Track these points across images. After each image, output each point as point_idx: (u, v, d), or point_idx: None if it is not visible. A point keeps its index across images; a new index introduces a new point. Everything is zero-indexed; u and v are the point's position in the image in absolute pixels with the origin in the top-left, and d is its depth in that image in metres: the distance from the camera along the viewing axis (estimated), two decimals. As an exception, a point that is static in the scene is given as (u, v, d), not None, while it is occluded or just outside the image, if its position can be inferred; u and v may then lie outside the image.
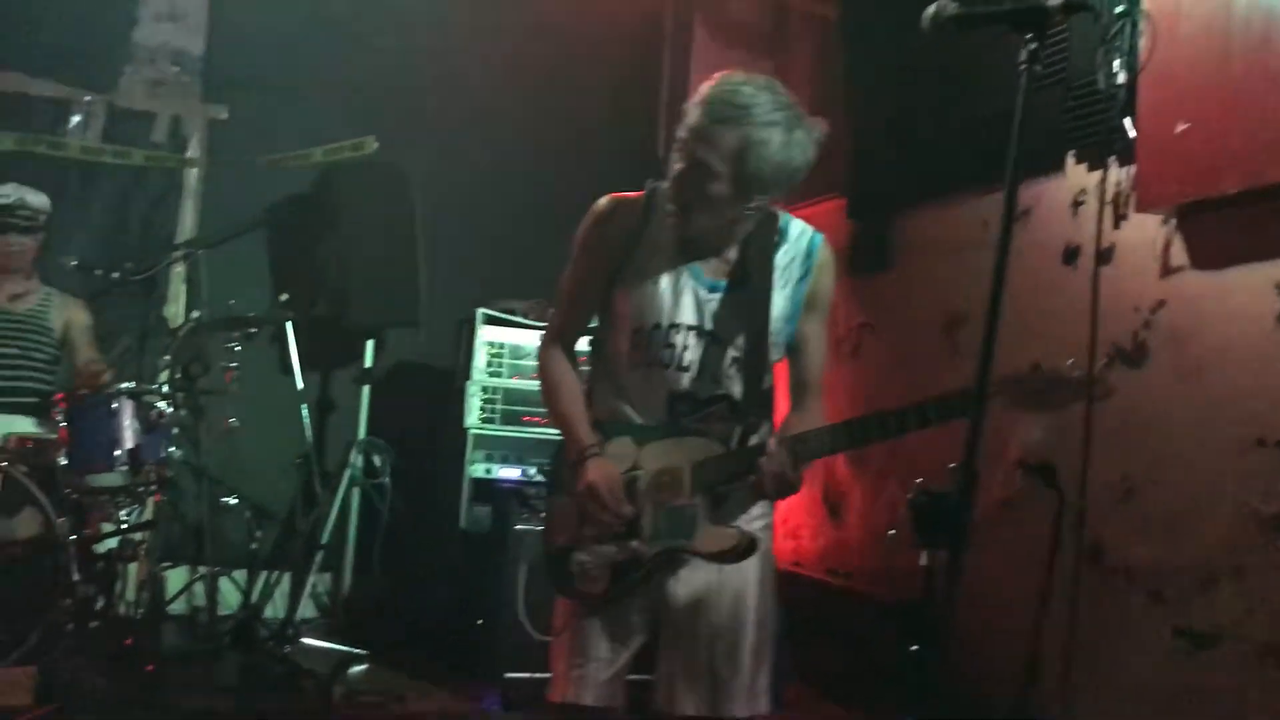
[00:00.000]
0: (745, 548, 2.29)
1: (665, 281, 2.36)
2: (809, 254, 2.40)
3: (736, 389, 2.37)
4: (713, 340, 2.36)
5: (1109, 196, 3.75)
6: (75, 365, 4.59)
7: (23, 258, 4.61)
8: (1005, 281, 1.68)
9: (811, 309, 2.42)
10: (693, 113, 2.22)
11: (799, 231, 2.41)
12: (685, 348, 2.35)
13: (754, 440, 2.33)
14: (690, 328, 2.36)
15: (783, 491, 2.23)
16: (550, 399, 2.50)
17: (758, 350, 2.35)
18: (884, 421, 2.14)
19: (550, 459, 2.59)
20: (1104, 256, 3.80)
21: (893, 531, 2.06)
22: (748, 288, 2.35)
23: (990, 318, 1.66)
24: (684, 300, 2.36)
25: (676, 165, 2.27)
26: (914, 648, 1.77)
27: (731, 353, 2.37)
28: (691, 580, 2.38)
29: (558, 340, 2.54)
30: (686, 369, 2.36)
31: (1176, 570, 3.43)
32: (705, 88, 2.23)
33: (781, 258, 2.38)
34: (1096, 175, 3.84)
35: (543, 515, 2.59)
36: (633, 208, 2.41)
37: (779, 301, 2.37)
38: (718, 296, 2.36)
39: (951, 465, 1.72)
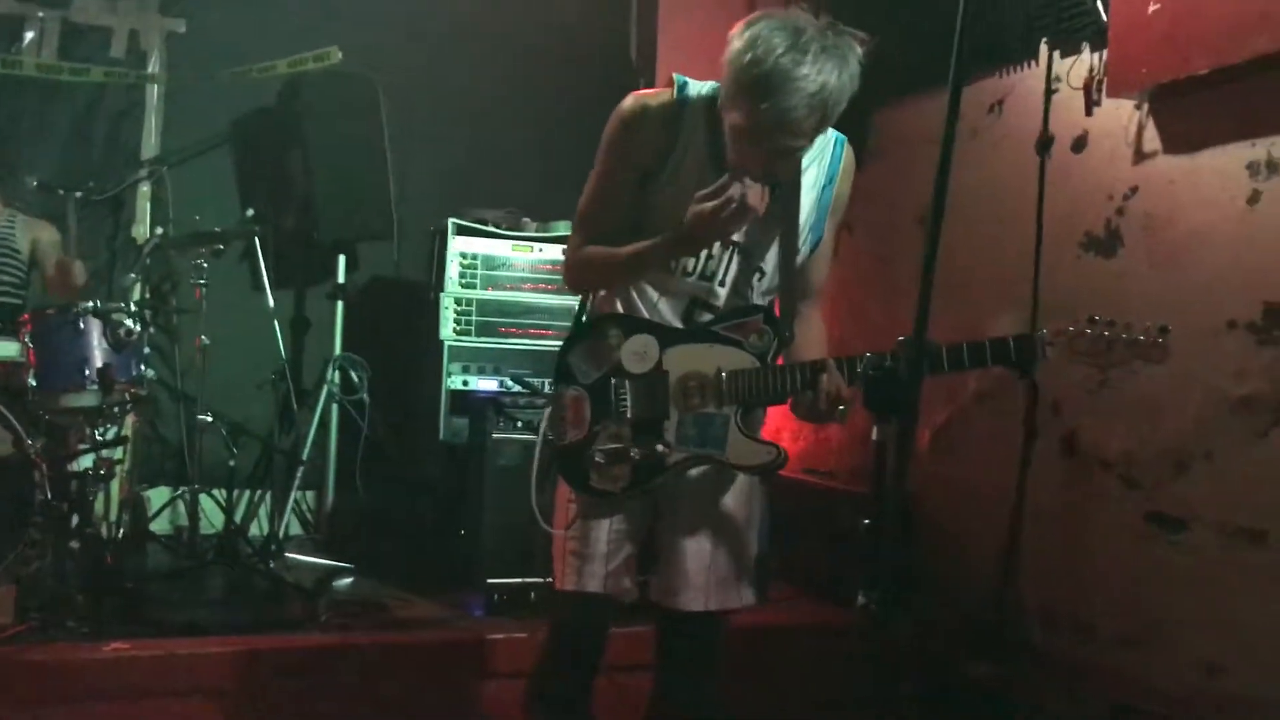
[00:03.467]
0: (779, 463, 2.26)
1: (697, 192, 2.20)
2: (834, 158, 2.32)
3: (767, 301, 2.32)
4: (740, 252, 2.30)
5: (1081, 83, 3.69)
6: (46, 275, 4.54)
7: None
8: (949, 175, 1.65)
9: (833, 214, 2.35)
10: (752, 93, 2.01)
11: (822, 135, 2.24)
12: (712, 258, 2.29)
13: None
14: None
15: (835, 413, 2.16)
16: (606, 264, 2.32)
17: (787, 262, 2.29)
18: (949, 354, 2.04)
19: (558, 353, 2.38)
20: (1077, 144, 3.75)
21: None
22: (779, 198, 2.25)
23: (935, 212, 1.63)
24: None
25: (748, 146, 2.10)
26: (865, 522, 1.76)
27: (760, 264, 2.31)
28: (692, 478, 2.34)
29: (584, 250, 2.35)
30: (711, 278, 2.30)
31: (1150, 456, 3.44)
32: (750, 60, 1.99)
33: (807, 162, 2.28)
34: (1069, 62, 3.78)
35: (546, 413, 2.36)
36: (663, 114, 2.25)
37: (805, 207, 2.29)
38: None
39: (901, 338, 1.70)
